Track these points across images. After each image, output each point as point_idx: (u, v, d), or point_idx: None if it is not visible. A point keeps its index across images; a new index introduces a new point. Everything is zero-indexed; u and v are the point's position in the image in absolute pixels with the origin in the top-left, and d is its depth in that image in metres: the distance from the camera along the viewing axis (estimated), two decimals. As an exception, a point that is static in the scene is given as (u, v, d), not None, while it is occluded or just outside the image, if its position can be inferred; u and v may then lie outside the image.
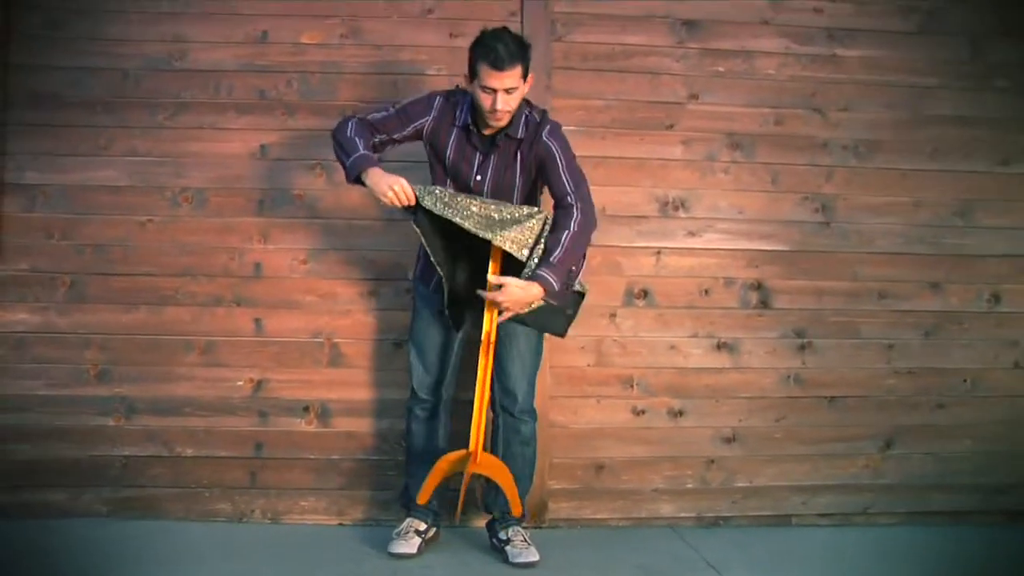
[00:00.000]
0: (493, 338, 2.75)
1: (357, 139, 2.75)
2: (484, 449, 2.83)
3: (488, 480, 2.99)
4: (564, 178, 2.81)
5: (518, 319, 2.80)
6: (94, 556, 2.83)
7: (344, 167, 2.78)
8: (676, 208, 3.42)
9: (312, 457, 3.30)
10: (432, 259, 2.77)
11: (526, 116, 2.83)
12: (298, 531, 3.19)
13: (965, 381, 3.50)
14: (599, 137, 3.37)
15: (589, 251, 3.31)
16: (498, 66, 2.64)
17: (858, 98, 3.49)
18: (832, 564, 2.98)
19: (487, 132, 2.81)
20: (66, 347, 3.26)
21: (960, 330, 3.51)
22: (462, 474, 2.80)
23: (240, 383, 3.29)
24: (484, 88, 2.69)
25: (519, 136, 2.82)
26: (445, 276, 2.78)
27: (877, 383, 3.47)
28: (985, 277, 3.52)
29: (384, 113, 2.85)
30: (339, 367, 3.31)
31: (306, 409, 3.30)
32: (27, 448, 3.22)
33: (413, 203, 2.70)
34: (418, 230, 2.74)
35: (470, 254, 2.84)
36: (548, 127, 2.84)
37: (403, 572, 2.76)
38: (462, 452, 2.79)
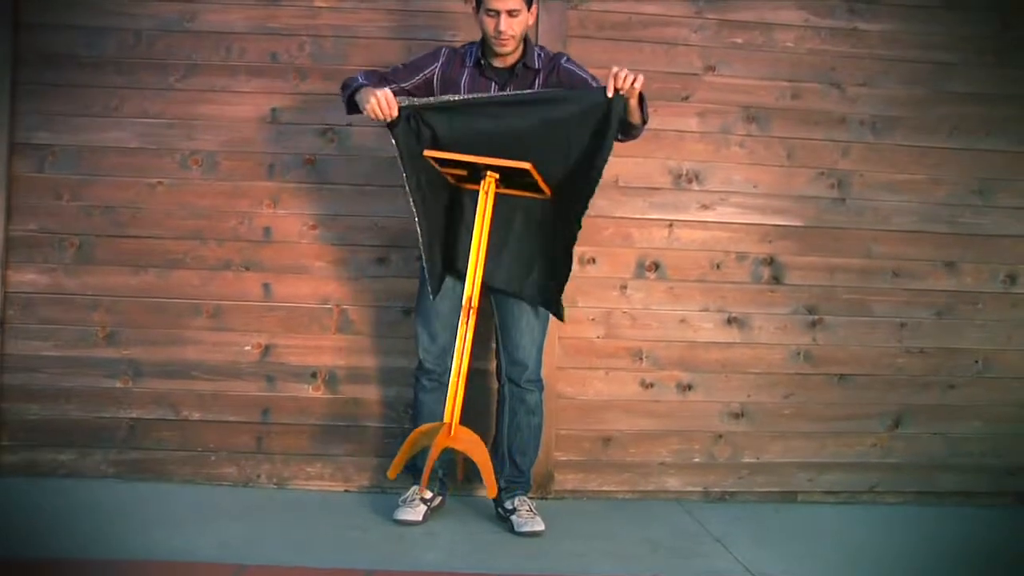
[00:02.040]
0: (475, 304, 2.68)
1: (363, 79, 2.79)
2: (464, 423, 2.76)
3: (494, 451, 2.99)
4: (594, 85, 2.80)
5: (517, 294, 2.83)
6: (100, 517, 2.85)
7: (345, 101, 2.81)
8: (690, 181, 3.39)
9: (319, 423, 3.30)
10: (406, 184, 2.71)
11: (538, 51, 2.87)
12: (304, 497, 3.20)
13: (977, 362, 3.47)
14: (614, 107, 3.33)
15: (601, 222, 3.32)
16: None
17: (877, 73, 3.44)
18: (837, 542, 2.97)
19: (500, 64, 2.83)
20: (74, 308, 3.26)
21: (974, 310, 3.48)
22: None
23: (248, 348, 3.28)
24: (488, 12, 2.73)
25: (536, 66, 2.84)
26: (419, 213, 2.73)
27: (888, 362, 3.44)
28: (1001, 257, 3.48)
29: (393, 68, 2.90)
30: (347, 333, 3.30)
31: (313, 375, 3.29)
32: (35, 408, 3.24)
33: (395, 115, 2.66)
34: (394, 143, 2.69)
35: (459, 199, 2.81)
36: (565, 56, 2.90)
37: (408, 539, 2.77)
38: (437, 424, 2.73)
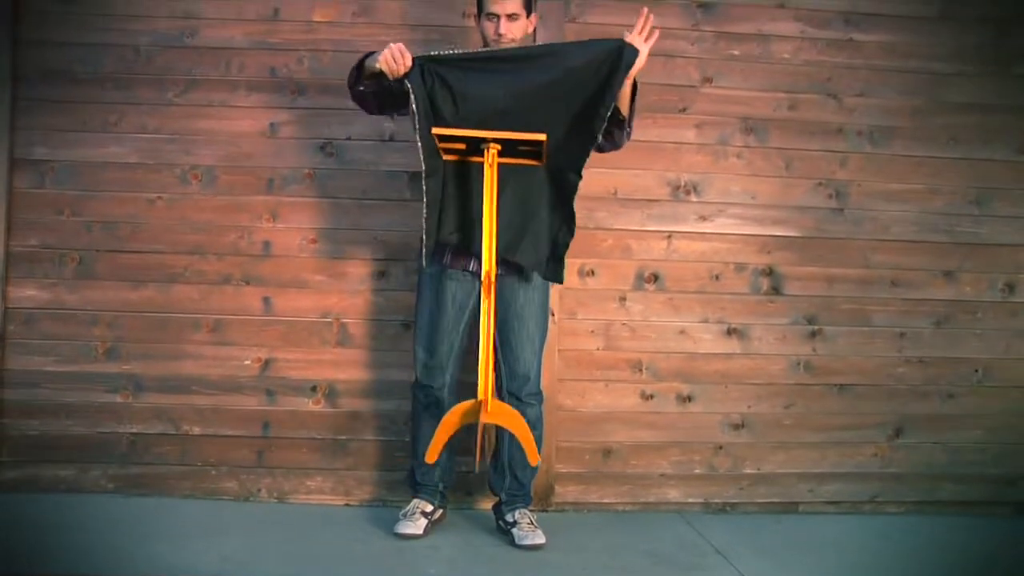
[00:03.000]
0: (494, 277, 2.62)
1: (366, 54, 2.77)
2: (460, 444, 2.79)
3: (494, 462, 2.99)
4: None
5: (509, 259, 2.78)
6: (101, 532, 2.84)
7: (354, 78, 2.78)
8: (688, 192, 3.40)
9: (319, 437, 3.30)
10: (418, 136, 2.65)
11: None
12: (304, 511, 3.20)
13: (976, 371, 3.47)
14: (612, 120, 3.34)
15: (599, 234, 3.33)
16: None
17: (874, 84, 3.45)
18: (839, 552, 2.97)
19: None
20: (75, 324, 3.26)
21: (973, 319, 3.48)
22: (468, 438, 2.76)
23: (248, 362, 3.29)
24: (488, 16, 2.79)
25: None
26: (425, 165, 2.68)
27: (887, 371, 3.45)
28: (1000, 266, 3.48)
29: None
30: (347, 347, 3.31)
31: (313, 389, 3.30)
32: (35, 424, 3.23)
33: (409, 64, 2.64)
34: (411, 95, 2.64)
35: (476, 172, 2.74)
36: None
37: (409, 553, 2.76)
38: (471, 402, 2.62)
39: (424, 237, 2.73)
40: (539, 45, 2.82)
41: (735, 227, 3.40)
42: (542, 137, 2.55)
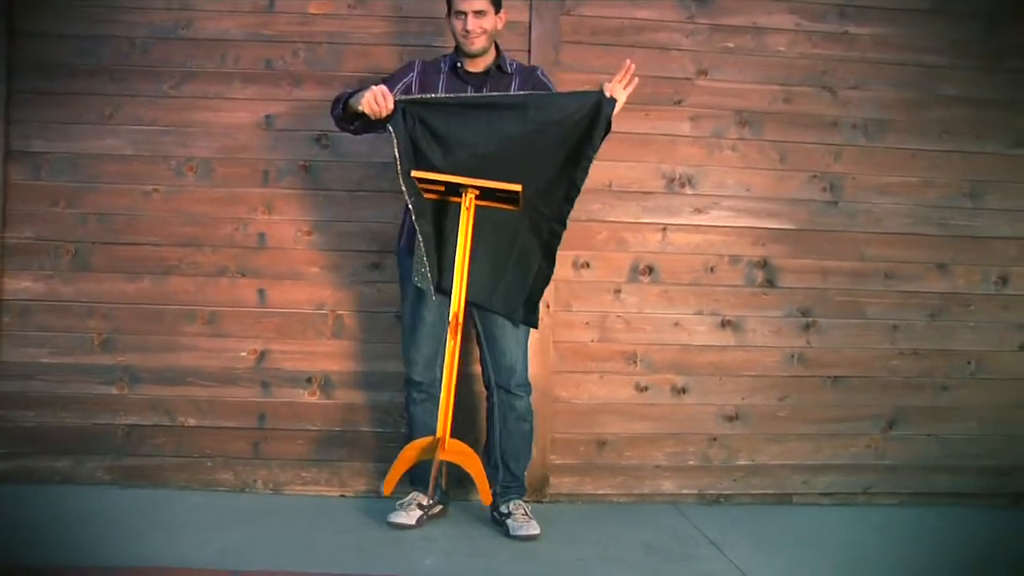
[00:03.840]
0: (461, 319, 2.69)
1: (349, 92, 2.83)
2: (454, 435, 2.78)
3: (486, 457, 2.99)
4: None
5: (485, 307, 2.84)
6: (96, 524, 2.85)
7: (338, 114, 2.84)
8: (683, 185, 3.40)
9: (314, 428, 3.30)
10: (401, 178, 2.71)
11: (511, 61, 2.96)
12: (299, 502, 3.20)
13: (970, 363, 3.49)
14: (606, 112, 3.34)
15: (594, 226, 3.34)
16: None
17: (869, 77, 3.46)
18: (833, 543, 2.98)
19: (473, 68, 2.90)
20: (70, 315, 3.27)
21: (966, 312, 3.49)
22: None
23: (243, 354, 3.29)
24: (456, 13, 2.84)
25: (510, 71, 2.92)
26: (415, 209, 2.73)
27: (881, 364, 3.46)
28: (993, 259, 3.50)
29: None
30: (342, 339, 3.31)
31: (309, 380, 3.30)
32: (31, 415, 3.24)
33: (391, 107, 2.70)
34: (393, 137, 2.70)
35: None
36: (540, 69, 3.02)
37: (405, 543, 2.77)
38: (429, 439, 2.76)
39: (427, 272, 2.78)
40: (521, 94, 2.83)
41: (730, 219, 3.41)
42: (518, 188, 2.59)
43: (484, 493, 2.78)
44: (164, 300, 3.28)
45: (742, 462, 3.41)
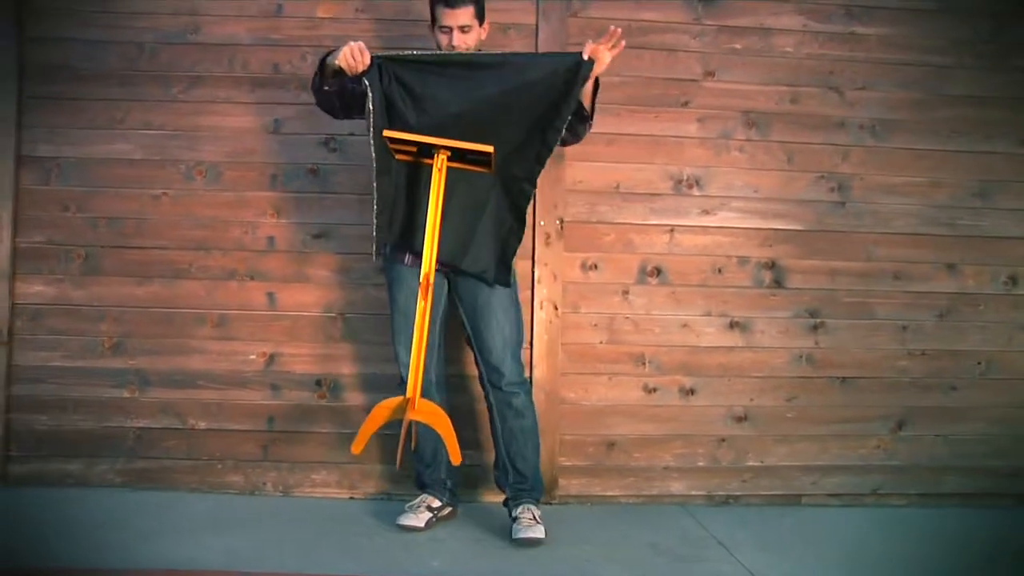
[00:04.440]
0: (431, 281, 2.65)
1: (326, 53, 2.79)
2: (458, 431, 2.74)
3: (496, 462, 2.99)
4: None
5: (454, 267, 2.82)
6: (107, 526, 2.86)
7: (316, 85, 2.82)
8: (690, 186, 3.40)
9: (324, 431, 3.32)
10: (371, 134, 2.70)
11: None
12: (309, 504, 3.22)
13: (979, 364, 3.48)
14: (614, 114, 3.34)
15: (602, 228, 3.34)
16: (451, 4, 2.79)
17: (876, 77, 3.46)
18: (842, 544, 2.98)
19: None
20: (81, 319, 3.29)
21: (975, 312, 3.48)
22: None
23: (253, 357, 3.31)
24: (441, 28, 2.83)
25: None
26: (377, 165, 2.72)
27: (890, 364, 3.45)
28: (1002, 259, 3.49)
29: None
30: (351, 341, 3.32)
31: (318, 383, 3.32)
32: (43, 419, 3.26)
33: (367, 63, 2.68)
34: (368, 93, 2.68)
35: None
36: None
37: (414, 546, 2.78)
38: (399, 399, 2.68)
39: (375, 233, 2.77)
40: (498, 54, 2.85)
41: (737, 221, 3.41)
42: (489, 149, 2.58)
43: (453, 453, 2.70)
44: (174, 303, 3.30)
45: (751, 463, 3.41)
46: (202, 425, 3.30)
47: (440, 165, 2.64)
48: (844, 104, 3.44)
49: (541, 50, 3.30)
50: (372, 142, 2.72)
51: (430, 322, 2.85)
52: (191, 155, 3.31)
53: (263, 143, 3.33)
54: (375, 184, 2.76)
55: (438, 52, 2.82)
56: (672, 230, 3.40)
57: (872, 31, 3.45)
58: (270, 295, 3.32)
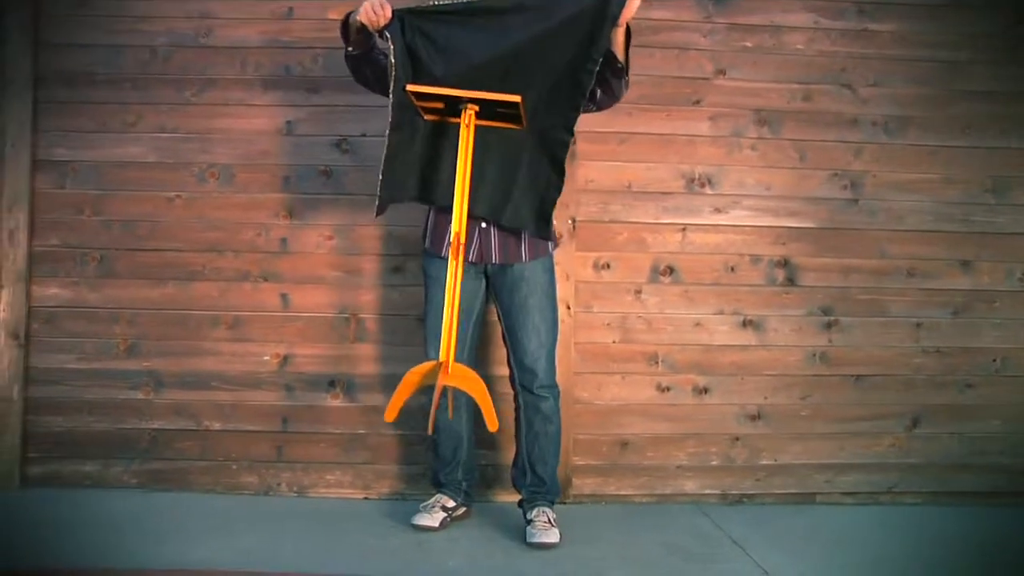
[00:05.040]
0: (463, 239, 2.58)
1: (348, 12, 2.73)
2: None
3: (515, 459, 2.99)
4: None
5: (492, 220, 2.77)
6: (123, 527, 2.88)
7: (345, 50, 2.78)
8: (703, 184, 3.40)
9: (338, 432, 3.33)
10: (392, 88, 2.62)
11: None
12: (324, 504, 3.23)
13: (994, 361, 3.46)
14: (625, 113, 3.33)
15: (614, 227, 3.34)
16: None
17: (888, 73, 3.44)
18: (856, 543, 2.97)
19: None
20: (96, 321, 3.31)
21: (990, 309, 3.46)
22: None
23: (267, 358, 3.32)
24: None
25: None
26: (392, 119, 2.66)
27: (904, 362, 3.44)
28: (1017, 255, 3.47)
29: None
30: (364, 342, 3.33)
31: (332, 384, 3.33)
32: (60, 420, 3.29)
33: (388, 16, 2.62)
34: (390, 47, 2.61)
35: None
36: None
37: (428, 545, 2.79)
38: (431, 363, 2.62)
39: (379, 190, 2.71)
40: None
41: (750, 219, 3.41)
42: (516, 98, 2.49)
43: (489, 418, 2.61)
44: (188, 305, 3.32)
45: (765, 462, 3.40)
46: (216, 426, 3.31)
47: (468, 121, 2.57)
48: (856, 101, 3.43)
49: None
50: (391, 96, 2.65)
51: (461, 322, 2.79)
52: (204, 157, 3.33)
53: (275, 145, 3.34)
54: (387, 140, 2.68)
55: (460, 1, 2.71)
56: (684, 229, 3.40)
57: (884, 27, 3.44)
58: (283, 296, 3.33)
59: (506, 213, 2.77)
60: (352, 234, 3.34)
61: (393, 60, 2.63)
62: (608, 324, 3.37)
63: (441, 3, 2.70)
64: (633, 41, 2.72)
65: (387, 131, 2.68)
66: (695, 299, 3.40)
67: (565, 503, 3.27)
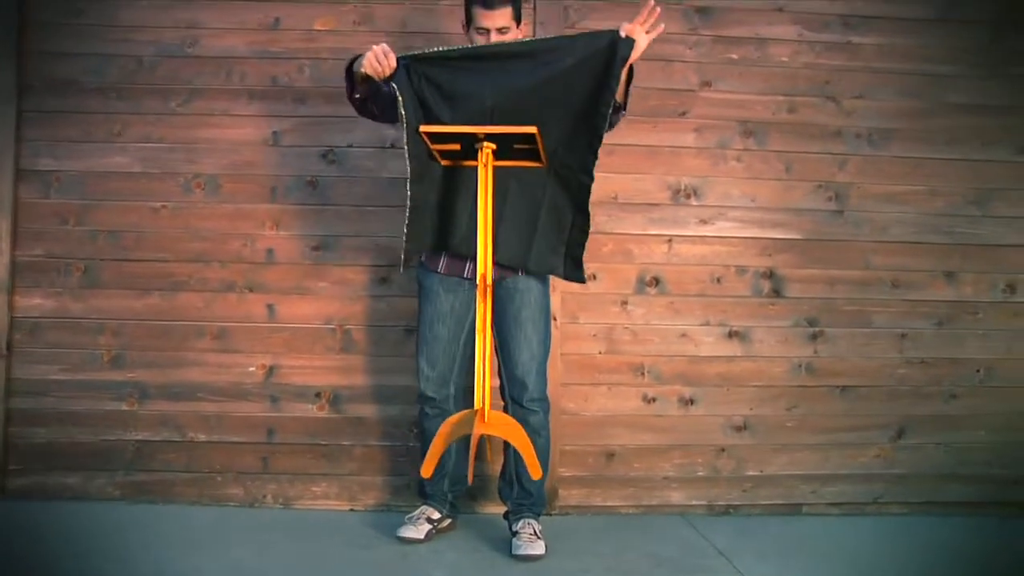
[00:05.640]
0: (489, 281, 2.55)
1: (353, 58, 2.73)
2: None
3: (502, 471, 2.99)
4: None
5: (518, 268, 2.77)
6: (107, 539, 2.86)
7: (349, 92, 2.75)
8: (688, 196, 3.41)
9: (323, 443, 3.31)
10: (406, 138, 2.61)
11: None
12: (309, 516, 3.21)
13: (978, 371, 3.48)
14: (611, 124, 3.35)
15: (600, 238, 3.34)
16: (489, 5, 2.71)
17: (873, 86, 3.47)
18: (843, 554, 2.97)
19: None
20: (80, 332, 3.29)
21: (974, 320, 3.49)
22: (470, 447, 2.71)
23: (252, 369, 3.31)
24: (478, 29, 2.74)
25: None
26: (411, 171, 2.64)
27: (889, 373, 3.45)
28: (1000, 267, 3.49)
29: None
30: (350, 353, 3.33)
31: (318, 395, 3.32)
32: (42, 432, 3.26)
33: (393, 65, 2.59)
34: (398, 96, 2.59)
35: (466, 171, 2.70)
36: None
37: (414, 558, 2.78)
38: (468, 412, 2.58)
39: (405, 243, 2.72)
40: (527, 41, 2.74)
41: (735, 230, 3.42)
42: (532, 130, 2.45)
43: (532, 466, 2.58)
44: (173, 316, 3.30)
45: (751, 472, 3.41)
46: (202, 437, 3.30)
47: (485, 161, 2.53)
48: (841, 113, 3.45)
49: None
50: (406, 147, 2.63)
51: (454, 335, 2.85)
52: (190, 168, 3.32)
53: (262, 155, 3.33)
54: (409, 192, 2.66)
55: (465, 47, 2.72)
56: (670, 240, 3.41)
57: (868, 40, 3.46)
58: (270, 307, 3.32)
59: (530, 261, 2.77)
60: (338, 245, 3.33)
61: (402, 111, 2.62)
62: (594, 335, 3.37)
63: (445, 49, 2.68)
64: (663, 25, 2.67)
65: (407, 184, 2.67)
66: (681, 310, 3.41)
67: (551, 515, 3.26)
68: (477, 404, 2.54)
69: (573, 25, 3.36)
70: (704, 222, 3.41)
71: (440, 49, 2.68)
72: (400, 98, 2.62)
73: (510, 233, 2.73)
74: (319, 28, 3.35)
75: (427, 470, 2.58)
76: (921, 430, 3.46)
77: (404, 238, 2.72)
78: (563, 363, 3.34)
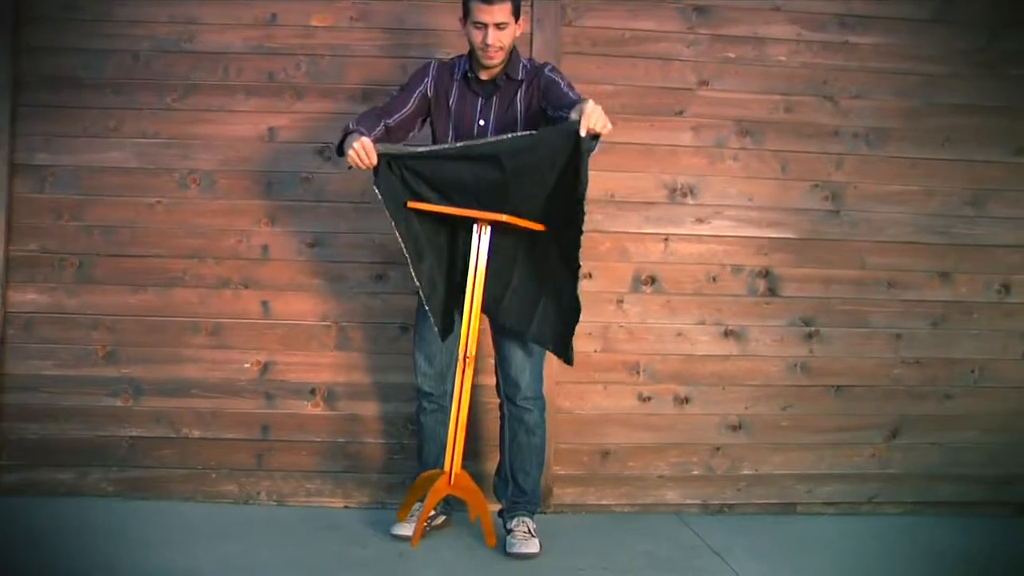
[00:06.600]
0: (472, 352, 2.68)
1: (358, 125, 2.75)
2: (463, 467, 2.80)
3: (498, 469, 3.00)
4: (569, 93, 2.76)
5: (519, 334, 2.82)
6: (100, 536, 2.85)
7: (337, 147, 2.80)
8: (685, 194, 3.41)
9: (318, 440, 3.31)
10: (397, 234, 2.71)
11: (524, 63, 2.86)
12: (304, 513, 3.21)
13: (973, 371, 3.48)
14: (608, 122, 3.34)
15: (597, 237, 3.34)
16: None
17: (870, 85, 3.46)
18: (837, 553, 2.98)
19: (485, 77, 2.83)
20: (75, 328, 3.28)
21: (969, 320, 3.49)
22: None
23: (247, 365, 3.30)
24: (476, 24, 2.73)
25: (519, 77, 2.83)
26: (413, 259, 2.73)
27: (884, 372, 3.46)
28: (996, 267, 3.50)
29: (390, 97, 2.90)
30: (346, 350, 3.32)
31: (312, 392, 3.31)
32: (35, 427, 3.25)
33: (374, 162, 2.66)
34: (377, 191, 2.69)
35: (454, 239, 2.81)
36: (549, 65, 2.89)
37: (408, 554, 2.78)
38: (438, 471, 2.78)
39: (435, 318, 2.78)
40: (491, 142, 2.67)
41: (732, 229, 3.42)
42: (502, 218, 2.60)
43: (488, 533, 2.81)
44: (168, 312, 3.29)
45: (745, 472, 3.41)
46: (196, 434, 3.29)
47: (480, 231, 2.68)
48: (838, 113, 3.45)
49: (535, 59, 3.30)
50: (398, 234, 2.71)
51: (455, 334, 2.85)
52: (185, 163, 3.31)
53: (257, 151, 3.32)
54: (414, 272, 2.75)
55: (433, 149, 2.74)
56: (666, 239, 3.40)
57: (865, 40, 3.46)
58: (264, 303, 3.31)
59: (532, 328, 2.80)
60: (334, 241, 3.32)
61: (386, 206, 2.69)
62: (590, 333, 3.37)
63: (421, 149, 2.74)
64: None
65: (412, 265, 2.74)
66: (677, 309, 3.40)
67: (546, 513, 3.26)
68: (446, 466, 2.75)
69: (570, 23, 3.35)
70: (700, 221, 3.41)
71: (412, 150, 2.73)
72: (382, 199, 2.70)
73: (518, 297, 2.80)
74: (316, 24, 3.34)
75: (402, 515, 2.91)
76: (916, 430, 3.46)
77: (430, 313, 2.78)
78: (558, 362, 3.32)
